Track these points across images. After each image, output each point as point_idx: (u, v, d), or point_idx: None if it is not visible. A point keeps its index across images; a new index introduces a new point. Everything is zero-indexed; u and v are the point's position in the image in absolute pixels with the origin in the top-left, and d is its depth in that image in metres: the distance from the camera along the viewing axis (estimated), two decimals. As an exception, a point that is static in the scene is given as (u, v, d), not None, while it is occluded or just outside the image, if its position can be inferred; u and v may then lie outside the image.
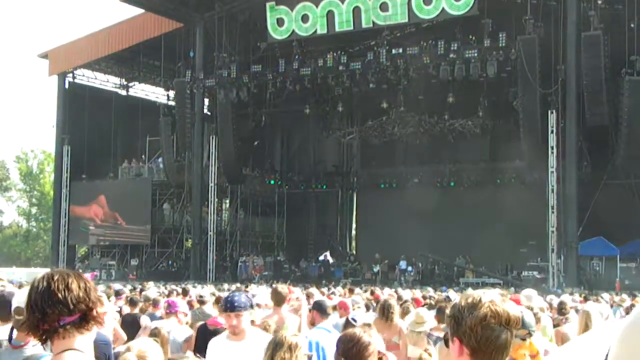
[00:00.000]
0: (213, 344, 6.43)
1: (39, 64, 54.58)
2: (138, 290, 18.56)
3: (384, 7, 35.45)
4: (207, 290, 17.18)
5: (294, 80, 38.28)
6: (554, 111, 33.07)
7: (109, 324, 8.83)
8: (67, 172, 45.04)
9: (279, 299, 8.75)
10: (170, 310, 9.38)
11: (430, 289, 22.71)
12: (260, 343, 6.00)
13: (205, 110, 44.68)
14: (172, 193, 43.50)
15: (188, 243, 43.52)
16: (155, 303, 11.90)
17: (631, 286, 29.76)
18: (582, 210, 32.96)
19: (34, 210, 77.98)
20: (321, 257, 43.55)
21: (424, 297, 14.92)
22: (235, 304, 6.19)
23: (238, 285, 27.88)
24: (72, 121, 44.63)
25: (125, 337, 9.24)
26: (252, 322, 7.93)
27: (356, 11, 35.98)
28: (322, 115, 46.07)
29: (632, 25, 31.65)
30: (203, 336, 7.76)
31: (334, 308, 11.18)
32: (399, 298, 13.50)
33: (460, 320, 2.67)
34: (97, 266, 43.58)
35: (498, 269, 37.64)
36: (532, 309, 6.68)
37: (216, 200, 42.12)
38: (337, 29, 36.64)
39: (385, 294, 16.28)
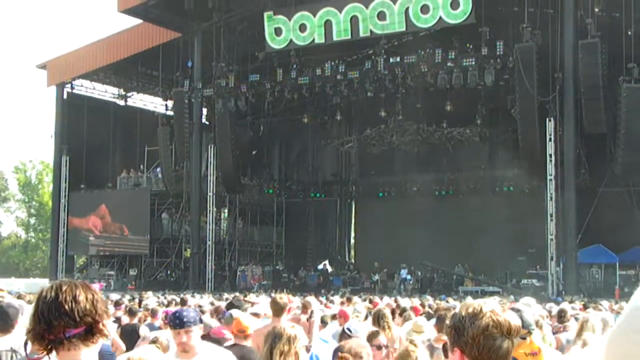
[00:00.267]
0: None
1: (38, 74, 54.83)
2: (137, 300, 18.52)
3: (381, 16, 35.52)
4: (206, 300, 17.16)
5: (292, 90, 38.33)
6: (551, 119, 33.09)
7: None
8: (65, 182, 45.02)
9: (277, 309, 8.72)
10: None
11: (429, 297, 22.70)
12: (212, 359, 5.98)
13: (204, 120, 44.72)
14: (171, 203, 43.46)
15: (187, 253, 43.46)
16: (153, 313, 11.89)
17: (630, 294, 29.24)
18: (581, 218, 32.95)
19: (32, 220, 77.91)
20: (320, 266, 43.53)
21: (422, 306, 14.91)
22: (185, 319, 5.87)
23: (237, 294, 27.83)
24: (70, 131, 44.64)
25: (124, 347, 9.22)
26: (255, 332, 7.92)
27: (354, 20, 36.04)
28: (320, 124, 46.11)
29: (629, 33, 31.69)
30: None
31: (334, 317, 11.18)
32: (398, 306, 13.49)
33: (461, 330, 2.66)
34: (96, 276, 43.51)
35: (497, 277, 37.59)
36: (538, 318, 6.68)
37: (215, 209, 42.08)
38: (335, 38, 36.70)
39: (385, 302, 16.27)
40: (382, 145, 42.47)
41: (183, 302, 15.80)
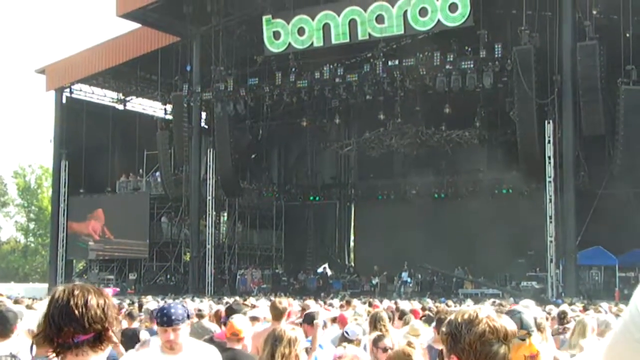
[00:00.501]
0: (142, 358, 5.99)
1: (36, 79, 54.85)
2: (137, 304, 18.50)
3: (380, 19, 35.53)
4: (206, 304, 17.15)
5: (290, 93, 38.35)
6: (550, 121, 33.11)
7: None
8: (64, 186, 45.01)
9: (277, 313, 8.73)
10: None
11: (429, 300, 22.69)
12: (198, 356, 5.89)
13: (203, 124, 44.73)
14: (170, 207, 43.47)
15: (186, 256, 43.46)
16: (152, 317, 11.87)
17: (630, 295, 29.33)
18: (580, 220, 32.94)
19: (32, 225, 77.89)
20: (320, 270, 43.52)
21: (423, 309, 14.90)
22: (173, 317, 5.65)
23: (237, 298, 27.81)
24: (69, 136, 44.64)
25: (124, 351, 9.21)
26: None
27: (352, 23, 36.06)
28: (319, 128, 46.14)
29: (627, 35, 31.72)
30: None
31: (333, 320, 11.17)
32: (397, 309, 13.49)
33: (457, 337, 2.66)
34: (96, 281, 43.41)
35: (497, 279, 37.61)
36: (536, 319, 6.68)
37: (214, 213, 42.09)
38: (333, 41, 36.71)
39: (385, 305, 16.26)
40: (381, 148, 42.49)
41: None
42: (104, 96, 48.39)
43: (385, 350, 6.85)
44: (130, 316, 12.18)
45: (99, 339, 2.82)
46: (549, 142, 33.05)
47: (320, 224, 48.86)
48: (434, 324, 9.39)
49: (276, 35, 37.83)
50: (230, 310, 9.71)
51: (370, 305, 17.09)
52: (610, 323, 9.16)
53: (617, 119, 32.11)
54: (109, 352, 2.92)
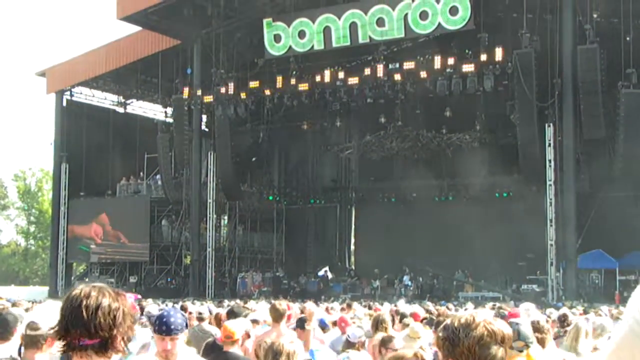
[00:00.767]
0: None
1: (37, 82, 54.71)
2: (138, 308, 18.45)
3: (380, 22, 35.54)
4: (205, 307, 17.13)
5: (291, 96, 38.34)
6: (551, 124, 33.13)
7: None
8: (65, 189, 44.99)
9: (277, 316, 8.73)
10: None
11: (429, 303, 22.66)
12: None
13: (203, 127, 44.74)
14: (171, 210, 43.46)
15: (187, 260, 43.44)
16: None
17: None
18: (581, 223, 32.96)
19: (32, 228, 77.87)
20: (320, 273, 43.46)
21: (428, 312, 14.89)
22: (172, 326, 5.49)
23: (238, 301, 27.79)
24: (70, 139, 44.63)
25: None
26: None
27: (353, 27, 36.06)
28: (320, 131, 46.18)
29: (627, 39, 31.74)
30: (212, 352, 7.65)
31: (334, 324, 11.17)
32: (397, 312, 13.48)
33: (455, 341, 2.66)
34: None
35: (497, 282, 37.58)
36: (539, 322, 6.68)
37: (215, 216, 42.08)
38: (334, 44, 36.71)
39: (386, 308, 16.24)
40: (381, 151, 42.50)
41: (183, 309, 15.77)
42: (105, 99, 48.40)
43: (395, 351, 6.84)
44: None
45: (105, 345, 2.78)
46: (549, 145, 33.06)
47: (320, 227, 48.86)
48: (434, 327, 9.39)
49: (277, 38, 37.84)
50: (232, 314, 9.73)
51: (370, 308, 17.07)
52: (606, 326, 9.16)
53: (617, 122, 32.14)
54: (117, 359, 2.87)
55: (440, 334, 2.75)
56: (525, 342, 4.51)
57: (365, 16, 35.73)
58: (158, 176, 43.39)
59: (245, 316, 9.89)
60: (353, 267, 48.34)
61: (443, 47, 35.55)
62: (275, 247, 47.43)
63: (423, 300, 30.09)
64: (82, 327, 2.74)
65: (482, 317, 2.71)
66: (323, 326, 10.93)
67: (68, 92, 45.88)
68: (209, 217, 41.35)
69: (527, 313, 9.91)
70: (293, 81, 37.81)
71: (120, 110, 49.26)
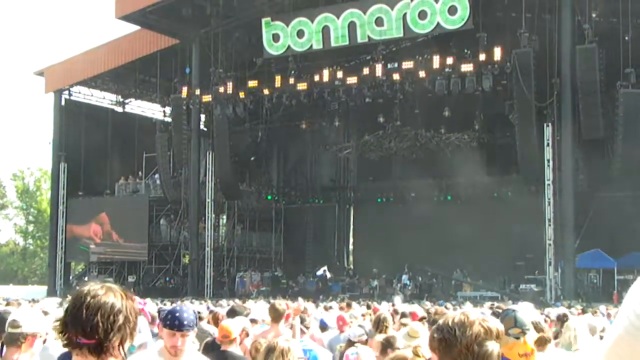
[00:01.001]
0: None
1: (35, 81, 54.86)
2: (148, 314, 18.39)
3: (379, 22, 35.54)
4: (203, 307, 17.13)
5: (290, 96, 38.34)
6: (549, 124, 33.15)
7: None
8: (63, 189, 44.97)
9: (276, 315, 8.73)
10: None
11: (428, 303, 22.66)
12: None
13: (202, 126, 44.72)
14: (169, 209, 43.46)
15: (185, 259, 43.43)
16: (152, 320, 11.85)
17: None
18: (579, 223, 32.97)
19: (30, 227, 77.84)
20: (319, 272, 43.46)
21: (428, 312, 14.88)
22: (185, 322, 5.36)
23: (236, 300, 27.81)
24: (68, 138, 44.60)
25: None
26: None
27: (351, 26, 36.06)
28: (318, 130, 46.17)
29: (626, 38, 31.75)
30: (211, 351, 7.64)
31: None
32: (396, 312, 13.48)
33: (453, 341, 2.67)
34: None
35: (495, 282, 37.59)
36: (539, 323, 6.70)
37: (213, 216, 42.09)
38: (332, 44, 36.71)
39: (384, 307, 16.25)
40: (380, 151, 42.51)
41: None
42: (103, 98, 48.39)
43: (395, 352, 6.84)
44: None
45: (100, 347, 2.74)
46: (548, 145, 33.07)
47: (319, 226, 48.85)
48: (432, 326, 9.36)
49: (275, 37, 37.84)
50: (233, 313, 9.73)
51: (369, 307, 17.07)
52: (596, 327, 9.16)
53: (616, 122, 32.15)
54: None
55: (436, 335, 2.74)
56: (521, 329, 4.51)
57: (364, 16, 35.73)
58: (157, 175, 43.39)
59: (246, 315, 9.89)
60: (351, 266, 48.36)
61: (442, 46, 35.55)
62: (274, 246, 47.43)
63: (422, 299, 30.08)
64: (78, 326, 2.73)
65: (476, 314, 2.73)
66: (323, 326, 10.93)
67: (66, 92, 45.87)
68: (208, 217, 41.36)
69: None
70: (292, 81, 37.81)
71: (119, 109, 49.27)
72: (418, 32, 35.47)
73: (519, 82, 32.12)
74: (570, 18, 32.56)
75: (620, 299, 30.46)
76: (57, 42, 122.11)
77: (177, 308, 5.61)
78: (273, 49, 38.09)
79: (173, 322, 5.37)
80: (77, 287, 2.84)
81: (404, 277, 38.74)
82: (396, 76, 35.87)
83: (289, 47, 37.67)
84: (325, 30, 36.68)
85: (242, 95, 39.20)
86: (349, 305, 17.06)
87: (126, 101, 49.55)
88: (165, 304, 20.92)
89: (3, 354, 2.78)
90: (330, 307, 17.23)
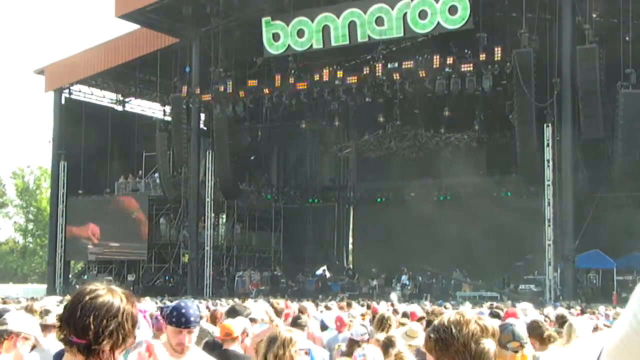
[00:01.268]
0: None
1: (36, 79, 54.88)
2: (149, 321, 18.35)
3: (379, 21, 35.54)
4: (203, 306, 17.13)
5: (290, 95, 38.33)
6: (549, 124, 33.13)
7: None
8: (63, 187, 44.99)
9: (275, 315, 8.73)
10: (159, 325, 9.19)
11: (427, 303, 22.65)
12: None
13: (202, 126, 44.69)
14: (169, 208, 43.44)
15: (185, 258, 43.41)
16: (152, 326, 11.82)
17: (628, 299, 29.54)
18: (579, 223, 32.94)
19: (30, 226, 77.82)
20: (318, 272, 43.48)
21: (427, 313, 14.86)
22: (191, 318, 5.26)
23: (236, 299, 27.79)
24: (68, 137, 44.59)
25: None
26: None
27: (352, 26, 36.05)
28: (318, 130, 46.16)
29: (627, 39, 31.74)
30: (213, 350, 7.63)
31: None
32: (395, 311, 13.47)
33: (449, 340, 2.67)
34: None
35: (495, 282, 37.57)
36: (539, 324, 6.69)
37: (213, 215, 42.07)
38: (333, 43, 36.71)
39: (383, 307, 16.23)
40: (380, 151, 42.50)
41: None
42: (103, 97, 48.40)
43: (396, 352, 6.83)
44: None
45: (89, 349, 2.70)
46: (548, 145, 33.05)
47: (319, 226, 48.84)
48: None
49: (275, 37, 37.84)
50: (233, 311, 9.71)
51: (368, 307, 17.05)
52: (596, 327, 9.15)
53: (616, 123, 32.13)
54: None
55: (432, 336, 2.74)
56: (520, 342, 4.52)
57: (365, 15, 35.72)
58: (156, 174, 43.38)
59: (247, 315, 9.87)
60: (351, 266, 48.35)
61: (442, 46, 35.54)
62: (273, 245, 47.41)
63: (421, 299, 30.07)
64: (71, 325, 2.72)
65: (471, 314, 2.74)
66: (323, 326, 10.92)
67: (67, 90, 45.89)
68: (207, 216, 41.35)
69: (525, 313, 9.92)
70: (292, 80, 37.82)
71: (119, 108, 49.27)
72: (418, 31, 35.46)
73: (519, 82, 32.10)
74: (570, 18, 32.55)
75: (619, 299, 30.45)
76: (57, 40, 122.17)
77: (182, 304, 5.43)
78: (273, 49, 38.08)
79: (179, 319, 5.26)
80: (78, 286, 2.82)
81: (404, 277, 38.71)
82: (396, 76, 35.87)
83: (289, 46, 37.66)
84: (326, 30, 36.68)
85: (242, 94, 39.19)
86: (349, 305, 17.04)
87: (126, 100, 49.55)
88: (164, 303, 20.87)
89: None
90: (330, 308, 17.22)
